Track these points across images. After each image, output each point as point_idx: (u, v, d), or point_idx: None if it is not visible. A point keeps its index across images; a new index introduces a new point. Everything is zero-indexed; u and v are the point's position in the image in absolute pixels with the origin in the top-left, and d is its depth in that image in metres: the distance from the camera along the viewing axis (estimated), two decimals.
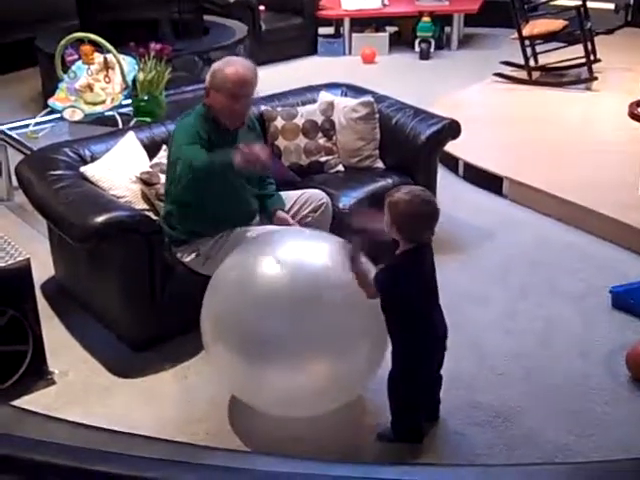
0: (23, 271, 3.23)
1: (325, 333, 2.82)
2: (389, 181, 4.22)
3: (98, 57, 5.06)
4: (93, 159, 3.84)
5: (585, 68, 6.70)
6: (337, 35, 8.40)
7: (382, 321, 2.89)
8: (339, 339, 2.85)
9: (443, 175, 4.88)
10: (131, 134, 3.98)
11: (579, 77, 6.75)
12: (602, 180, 4.97)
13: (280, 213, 3.60)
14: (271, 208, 3.61)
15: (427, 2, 8.22)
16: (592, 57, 6.72)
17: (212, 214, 3.44)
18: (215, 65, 3.42)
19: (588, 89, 6.62)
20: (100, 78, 5.03)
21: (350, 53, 8.25)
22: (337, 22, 8.44)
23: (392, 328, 2.90)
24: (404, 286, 2.81)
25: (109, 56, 5.00)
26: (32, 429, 2.25)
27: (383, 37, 8.25)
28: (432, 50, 8.09)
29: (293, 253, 2.97)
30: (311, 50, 8.27)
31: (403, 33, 8.54)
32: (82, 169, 3.74)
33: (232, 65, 3.37)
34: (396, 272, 2.84)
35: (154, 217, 3.64)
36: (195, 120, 3.40)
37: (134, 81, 4.96)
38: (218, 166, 3.24)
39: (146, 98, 4.89)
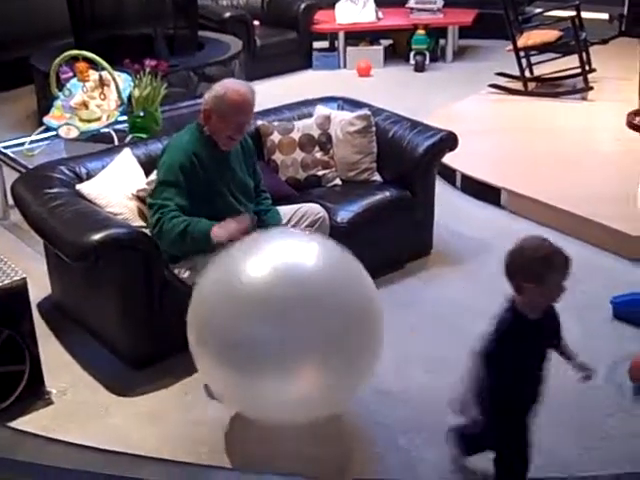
0: (19, 290, 3.21)
1: (313, 338, 2.67)
2: (387, 194, 4.21)
3: (93, 74, 5.04)
4: (89, 176, 3.83)
5: (580, 78, 6.71)
6: (332, 49, 8.41)
7: (375, 328, 2.79)
8: (328, 344, 2.69)
9: (441, 187, 4.85)
10: (127, 151, 3.96)
11: (574, 87, 6.76)
12: (600, 190, 4.96)
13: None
14: (268, 224, 3.58)
15: (421, 15, 8.23)
16: (587, 67, 6.73)
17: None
18: (218, 89, 3.35)
19: (584, 99, 6.62)
20: (95, 95, 5.01)
21: (345, 67, 8.24)
22: (332, 36, 8.45)
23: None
24: None
25: (104, 73, 4.98)
26: (31, 451, 2.23)
27: (378, 50, 8.26)
28: (427, 62, 8.09)
29: (280, 255, 2.80)
30: (306, 64, 8.26)
31: (398, 46, 8.54)
32: (78, 187, 3.72)
33: (236, 91, 3.32)
34: None
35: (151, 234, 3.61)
36: (189, 143, 3.38)
37: (129, 97, 4.95)
38: (192, 237, 3.26)
39: (142, 114, 4.87)
